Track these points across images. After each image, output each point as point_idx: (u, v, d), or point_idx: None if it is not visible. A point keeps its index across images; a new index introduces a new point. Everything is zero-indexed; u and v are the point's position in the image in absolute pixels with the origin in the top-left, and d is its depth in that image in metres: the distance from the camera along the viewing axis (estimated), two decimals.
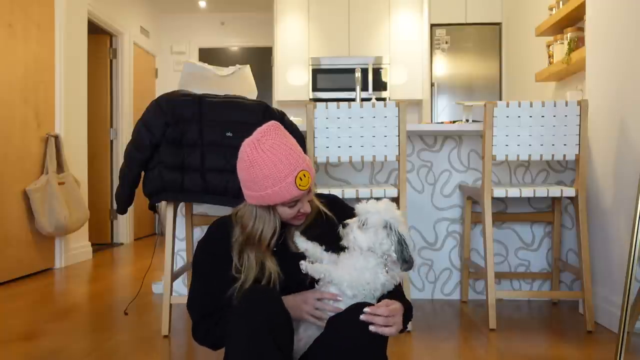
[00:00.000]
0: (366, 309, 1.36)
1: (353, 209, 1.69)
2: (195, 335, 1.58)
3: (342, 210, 1.65)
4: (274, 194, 1.46)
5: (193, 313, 1.58)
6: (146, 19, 6.75)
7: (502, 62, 5.76)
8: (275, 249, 1.56)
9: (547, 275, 3.20)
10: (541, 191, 2.70)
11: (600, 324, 2.70)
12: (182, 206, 3.05)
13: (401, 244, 1.44)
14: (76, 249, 4.61)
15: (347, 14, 6.19)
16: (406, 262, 1.45)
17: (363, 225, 1.45)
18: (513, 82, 5.52)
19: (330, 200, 1.70)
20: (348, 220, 1.49)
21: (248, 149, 1.48)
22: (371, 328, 1.34)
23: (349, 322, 1.35)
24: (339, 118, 2.66)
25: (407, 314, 1.51)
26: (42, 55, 4.25)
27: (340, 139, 2.67)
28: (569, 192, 2.69)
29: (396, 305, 1.41)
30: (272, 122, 1.53)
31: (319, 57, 6.14)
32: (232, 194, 2.43)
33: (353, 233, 1.46)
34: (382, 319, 1.35)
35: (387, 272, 1.46)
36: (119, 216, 5.82)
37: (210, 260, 1.58)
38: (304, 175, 1.47)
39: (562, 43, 3.80)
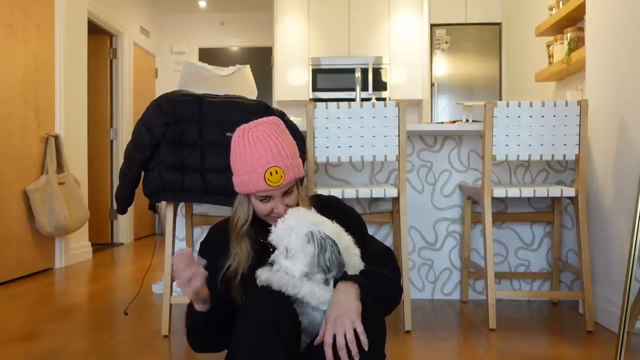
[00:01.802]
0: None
1: (352, 210, 1.66)
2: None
3: (337, 213, 1.59)
4: (245, 182, 1.48)
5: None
6: (146, 19, 6.75)
7: (502, 62, 5.76)
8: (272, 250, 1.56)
9: (547, 275, 3.20)
10: (541, 191, 2.70)
11: (600, 324, 2.70)
12: (182, 206, 3.05)
13: (324, 249, 1.34)
14: (76, 249, 4.61)
15: (347, 14, 6.19)
16: (337, 266, 1.34)
17: (287, 253, 1.35)
18: (513, 82, 5.52)
19: (325, 203, 1.64)
20: (273, 255, 1.39)
21: (236, 134, 1.51)
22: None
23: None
24: (339, 118, 2.66)
25: (377, 285, 1.43)
26: (42, 55, 4.25)
27: (340, 139, 2.67)
28: (569, 192, 2.69)
29: (335, 311, 1.32)
30: (274, 117, 1.54)
31: (319, 57, 6.14)
32: (232, 193, 2.43)
33: (281, 266, 1.36)
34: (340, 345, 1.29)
35: (328, 281, 1.38)
36: (119, 216, 5.83)
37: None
38: (276, 171, 1.45)
39: (562, 43, 3.80)
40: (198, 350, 1.59)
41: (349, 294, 1.33)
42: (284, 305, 1.36)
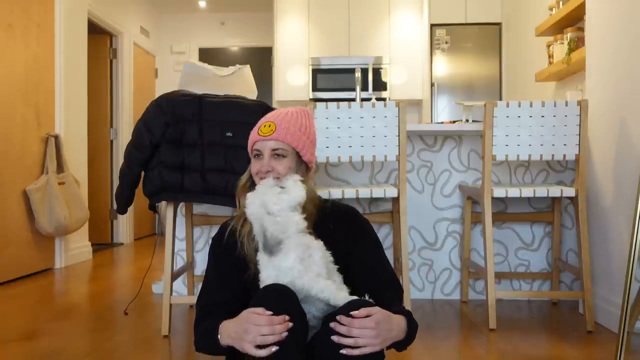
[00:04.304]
0: (332, 324, 1.29)
1: (369, 225, 1.60)
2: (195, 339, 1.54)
3: (353, 224, 1.55)
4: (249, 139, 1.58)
5: (196, 312, 1.57)
6: (146, 19, 6.75)
7: (502, 62, 5.76)
8: None
9: (547, 275, 3.20)
10: (541, 191, 2.70)
11: (600, 324, 2.70)
12: (182, 206, 3.04)
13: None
14: (76, 249, 4.61)
15: (347, 14, 6.19)
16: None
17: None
18: (513, 82, 5.52)
19: (342, 211, 1.58)
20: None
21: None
22: (342, 351, 1.28)
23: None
24: (339, 118, 2.66)
25: (408, 330, 1.42)
26: (42, 55, 4.25)
27: (340, 139, 2.67)
28: (569, 192, 2.69)
29: (377, 317, 1.31)
30: (306, 108, 1.63)
31: (319, 57, 6.14)
32: (232, 194, 2.42)
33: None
34: (350, 338, 1.28)
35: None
36: (119, 216, 5.82)
37: (212, 257, 1.58)
38: (269, 125, 1.51)
39: (562, 43, 3.80)
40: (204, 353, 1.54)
41: (400, 325, 1.38)
42: (296, 308, 1.33)
